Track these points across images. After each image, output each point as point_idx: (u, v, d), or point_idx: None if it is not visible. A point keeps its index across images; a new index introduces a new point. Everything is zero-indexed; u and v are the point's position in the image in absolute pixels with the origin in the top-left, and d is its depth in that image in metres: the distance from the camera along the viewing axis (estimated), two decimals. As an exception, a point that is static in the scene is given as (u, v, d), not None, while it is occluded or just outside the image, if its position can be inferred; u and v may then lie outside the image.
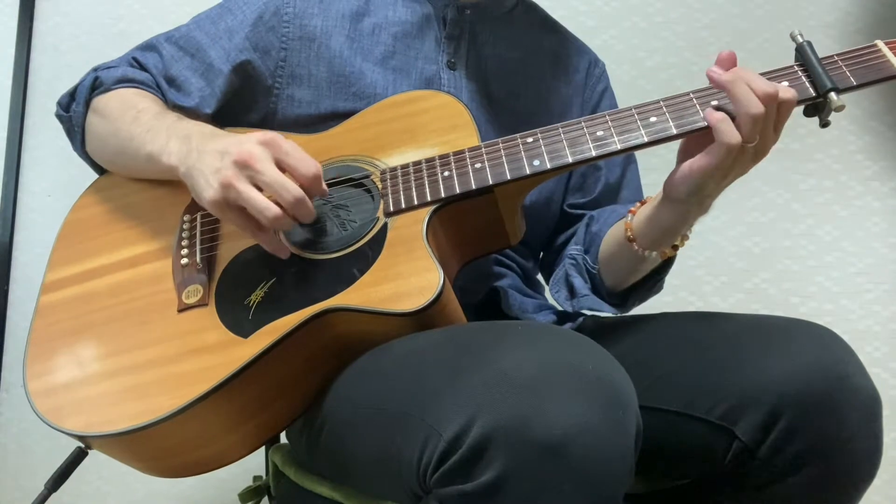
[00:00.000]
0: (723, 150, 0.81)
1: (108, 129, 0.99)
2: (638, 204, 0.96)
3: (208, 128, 0.93)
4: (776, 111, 0.81)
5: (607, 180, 1.11)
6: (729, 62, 0.84)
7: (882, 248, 1.63)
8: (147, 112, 0.96)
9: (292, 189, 0.82)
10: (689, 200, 0.87)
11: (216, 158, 0.84)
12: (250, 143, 0.83)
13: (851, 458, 0.77)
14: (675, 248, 0.94)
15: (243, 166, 0.82)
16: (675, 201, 0.88)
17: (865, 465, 0.78)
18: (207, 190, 0.84)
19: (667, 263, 0.98)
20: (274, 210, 0.81)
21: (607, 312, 1.00)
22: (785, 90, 0.81)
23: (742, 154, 0.82)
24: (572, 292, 1.01)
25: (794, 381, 0.77)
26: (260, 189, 0.83)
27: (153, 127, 0.93)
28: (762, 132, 0.81)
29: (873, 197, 1.64)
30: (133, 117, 0.96)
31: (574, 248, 1.05)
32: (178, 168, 0.89)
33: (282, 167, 0.83)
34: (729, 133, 0.81)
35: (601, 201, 1.11)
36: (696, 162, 0.83)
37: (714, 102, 0.84)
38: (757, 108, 0.79)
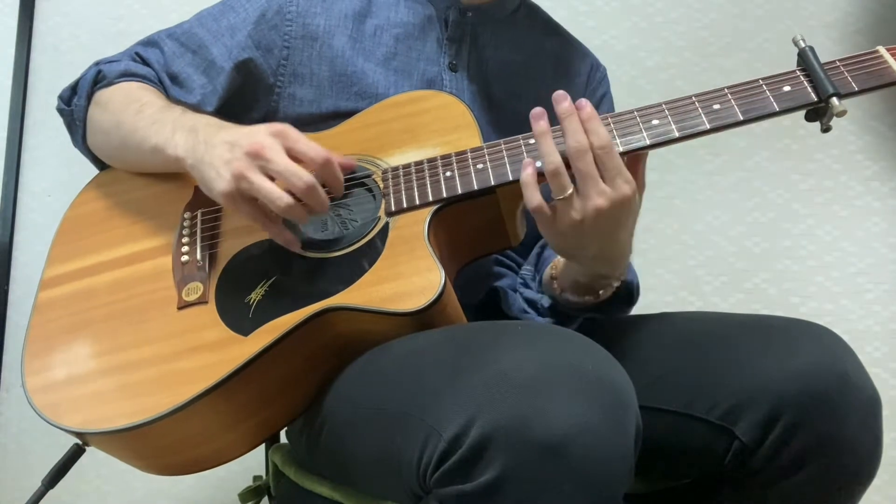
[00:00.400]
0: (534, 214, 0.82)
1: (110, 122, 0.99)
2: None
3: (214, 120, 0.93)
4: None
5: None
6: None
7: (882, 248, 1.63)
8: (151, 105, 0.96)
9: (304, 176, 0.82)
10: (570, 259, 0.88)
11: (226, 150, 0.84)
12: (260, 133, 0.84)
13: (851, 458, 0.77)
14: (598, 296, 0.92)
15: (255, 156, 0.82)
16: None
17: (865, 465, 0.78)
18: (219, 181, 0.83)
19: (627, 301, 0.96)
20: (286, 198, 0.81)
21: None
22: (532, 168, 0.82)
23: (562, 215, 0.81)
24: (534, 305, 1.01)
25: (794, 381, 0.77)
26: (273, 179, 0.83)
27: (158, 119, 0.93)
28: (579, 187, 0.80)
29: (873, 197, 1.64)
30: (137, 110, 0.96)
31: (525, 269, 1.05)
32: (185, 160, 0.88)
33: (293, 157, 0.83)
34: (529, 197, 0.82)
35: None
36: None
37: (716, 106, 0.84)
38: (550, 163, 0.80)
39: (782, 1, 1.67)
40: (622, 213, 0.80)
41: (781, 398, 0.77)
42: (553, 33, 1.16)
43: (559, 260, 0.94)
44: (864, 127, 1.65)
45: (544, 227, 0.83)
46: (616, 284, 0.92)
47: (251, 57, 1.03)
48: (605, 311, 0.95)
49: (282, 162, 0.82)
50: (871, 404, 0.78)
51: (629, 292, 0.96)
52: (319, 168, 0.84)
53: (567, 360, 0.68)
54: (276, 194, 0.81)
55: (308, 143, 0.84)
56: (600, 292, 0.92)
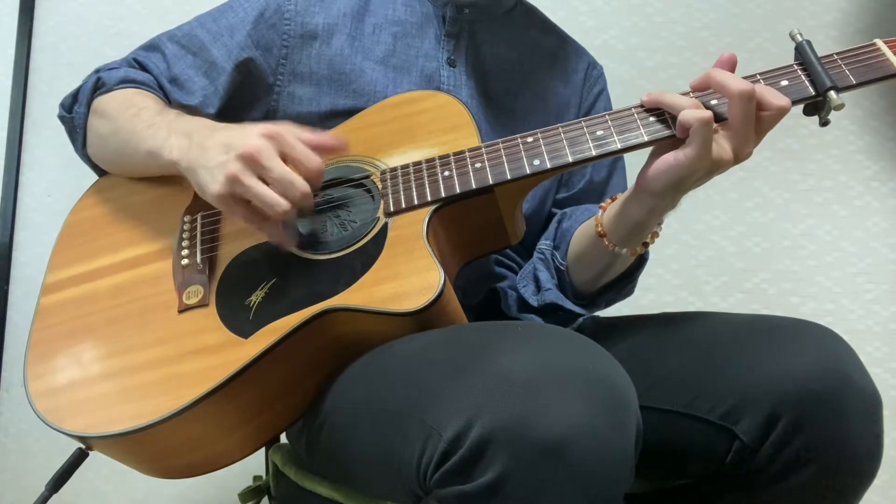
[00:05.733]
0: (701, 134, 0.79)
1: (108, 128, 0.99)
2: (609, 200, 0.95)
3: (209, 122, 0.93)
4: (754, 111, 0.81)
5: (591, 178, 1.11)
6: (729, 64, 0.84)
7: (882, 248, 1.63)
8: (148, 109, 0.96)
9: (300, 185, 0.82)
10: (663, 194, 0.85)
11: (220, 152, 0.84)
12: (255, 136, 0.83)
13: (852, 458, 0.77)
14: (646, 245, 0.93)
15: (250, 161, 0.82)
16: (647, 194, 0.86)
17: (866, 466, 0.78)
18: (213, 184, 0.83)
19: (639, 264, 0.97)
20: (284, 205, 0.81)
21: (571, 309, 0.99)
22: (768, 93, 0.81)
23: (723, 146, 0.81)
24: (538, 286, 1.00)
25: (795, 381, 0.77)
26: (266, 183, 0.82)
27: (154, 123, 0.93)
28: (739, 129, 0.81)
29: (873, 197, 1.64)
30: (134, 114, 0.96)
31: (544, 244, 1.04)
32: (179, 163, 0.88)
33: (286, 160, 0.83)
34: (696, 112, 0.79)
35: (582, 199, 1.10)
36: (679, 153, 0.81)
37: (713, 102, 0.84)
38: (743, 84, 0.80)
39: (782, 1, 1.67)
40: None
41: (782, 398, 0.77)
42: (549, 32, 1.16)
43: (603, 217, 0.93)
44: (864, 127, 1.65)
45: (699, 156, 0.80)
46: (657, 230, 0.92)
47: (251, 56, 1.03)
48: (633, 274, 0.97)
49: (278, 169, 0.82)
50: (871, 405, 0.78)
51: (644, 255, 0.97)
52: (311, 176, 0.84)
53: (567, 360, 0.68)
54: (273, 200, 0.81)
55: (301, 150, 0.84)
56: (647, 239, 0.92)
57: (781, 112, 0.81)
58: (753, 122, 0.81)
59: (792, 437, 0.77)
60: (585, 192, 1.11)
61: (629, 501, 0.70)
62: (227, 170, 0.82)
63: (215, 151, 0.84)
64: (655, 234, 0.92)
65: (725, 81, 0.81)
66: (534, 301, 1.00)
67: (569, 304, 0.98)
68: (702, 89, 0.85)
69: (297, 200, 0.82)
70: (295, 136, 0.85)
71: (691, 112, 0.80)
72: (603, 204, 0.95)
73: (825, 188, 1.64)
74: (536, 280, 1.01)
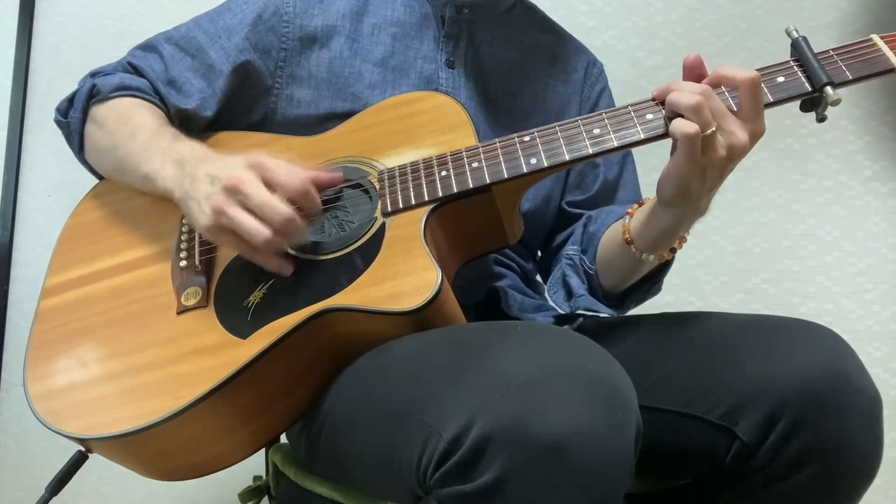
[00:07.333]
0: (686, 145, 0.80)
1: (106, 143, 0.99)
2: (635, 205, 0.95)
3: (201, 150, 0.93)
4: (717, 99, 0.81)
5: (605, 178, 1.11)
6: (698, 63, 0.85)
7: (882, 248, 1.63)
8: (143, 128, 0.96)
9: (281, 210, 0.82)
10: (677, 203, 0.86)
11: (207, 183, 0.85)
12: (238, 166, 0.84)
13: (852, 458, 0.77)
14: (673, 250, 0.93)
15: (232, 191, 0.82)
16: (666, 204, 0.87)
17: (865, 466, 0.78)
18: (201, 216, 0.85)
19: (665, 265, 0.98)
20: (265, 233, 0.82)
21: (604, 313, 0.99)
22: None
23: (710, 149, 0.80)
24: (569, 293, 1.01)
25: (795, 380, 0.77)
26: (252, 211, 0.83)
27: (150, 147, 0.94)
28: (720, 123, 0.80)
29: (873, 197, 1.64)
30: (130, 133, 0.96)
31: (571, 249, 1.05)
32: (173, 192, 0.90)
33: (272, 186, 0.83)
34: (681, 125, 0.80)
35: (598, 199, 1.10)
36: (671, 162, 0.83)
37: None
38: (689, 98, 0.79)
39: (782, 1, 1.67)
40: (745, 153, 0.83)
41: (782, 398, 0.77)
42: (549, 30, 1.16)
43: (630, 224, 0.94)
44: (864, 127, 1.65)
45: (687, 163, 0.81)
46: (686, 234, 0.93)
47: (249, 59, 1.03)
48: (660, 275, 0.98)
49: (258, 197, 0.82)
50: (871, 405, 0.78)
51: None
52: (298, 197, 0.84)
53: (567, 360, 0.68)
54: (253, 229, 0.82)
55: (284, 174, 0.84)
56: (675, 245, 0.92)
57: (746, 84, 0.81)
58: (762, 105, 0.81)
59: (792, 438, 0.77)
60: (602, 193, 1.11)
61: (629, 501, 0.70)
62: (212, 202, 0.83)
63: (202, 183, 0.85)
64: (683, 239, 0.93)
65: (731, 75, 0.82)
66: (566, 308, 1.00)
67: (603, 308, 0.99)
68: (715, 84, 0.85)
69: (279, 227, 0.82)
70: (277, 162, 0.85)
71: (677, 124, 0.80)
72: (629, 210, 0.95)
73: (825, 188, 1.64)
74: (567, 286, 1.01)
